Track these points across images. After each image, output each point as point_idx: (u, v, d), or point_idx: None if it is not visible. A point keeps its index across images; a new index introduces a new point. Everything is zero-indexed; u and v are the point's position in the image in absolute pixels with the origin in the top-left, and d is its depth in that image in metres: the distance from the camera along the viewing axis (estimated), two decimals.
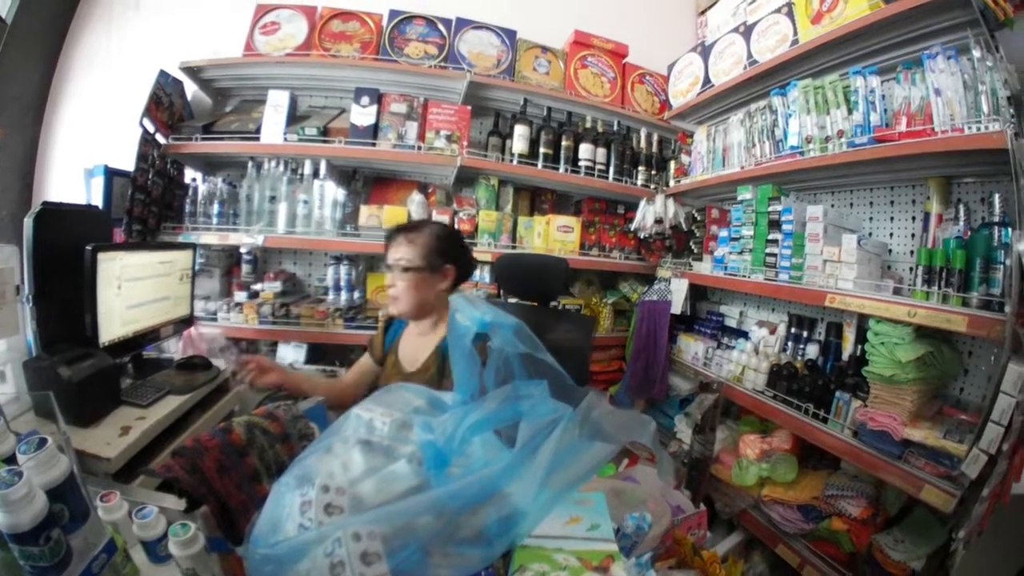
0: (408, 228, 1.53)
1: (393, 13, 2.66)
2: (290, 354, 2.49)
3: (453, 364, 0.89)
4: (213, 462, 0.86)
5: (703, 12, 3.09)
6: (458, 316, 0.87)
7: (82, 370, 1.37)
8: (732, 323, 2.56)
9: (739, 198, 2.27)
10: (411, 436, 0.80)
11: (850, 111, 1.84)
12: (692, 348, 2.52)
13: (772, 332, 2.27)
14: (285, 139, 2.47)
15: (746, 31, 2.36)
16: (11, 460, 0.70)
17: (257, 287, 2.51)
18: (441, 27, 2.67)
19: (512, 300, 2.15)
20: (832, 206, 2.10)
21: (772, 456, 1.99)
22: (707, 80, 2.58)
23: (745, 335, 2.37)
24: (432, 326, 1.52)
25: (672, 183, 2.79)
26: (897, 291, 1.65)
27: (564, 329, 1.93)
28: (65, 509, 0.67)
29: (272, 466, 0.93)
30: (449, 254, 1.50)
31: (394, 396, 0.91)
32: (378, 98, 2.53)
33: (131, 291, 1.69)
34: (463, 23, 2.68)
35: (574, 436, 0.72)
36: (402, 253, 1.46)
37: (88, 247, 1.50)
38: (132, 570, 0.81)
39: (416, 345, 1.53)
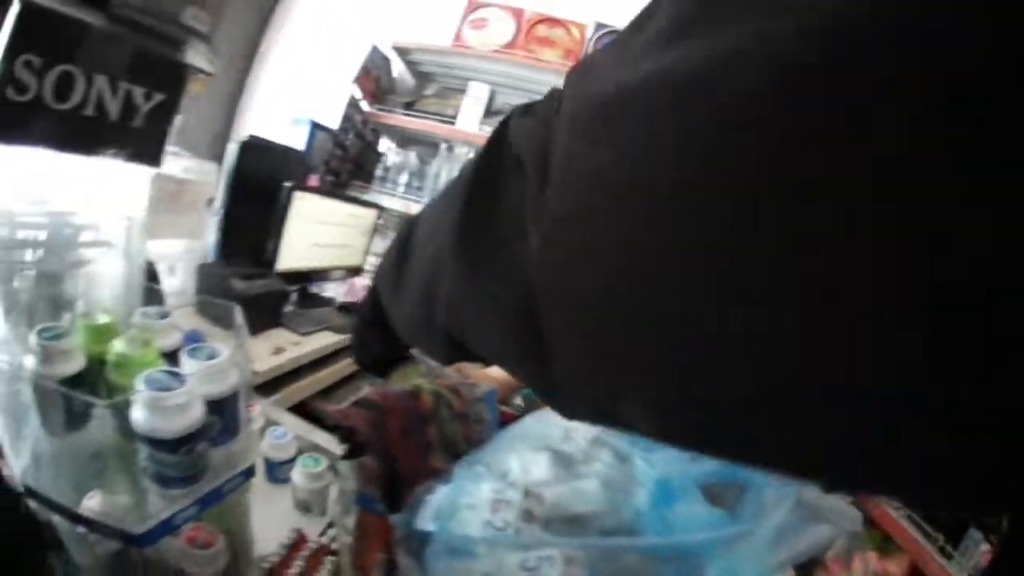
0: None
1: (599, 26, 2.69)
2: None
3: None
4: (397, 424, 0.86)
5: None
6: None
7: (255, 287, 1.53)
8: None
9: None
10: (603, 455, 0.78)
11: None
12: None
13: None
14: (480, 129, 2.61)
15: None
16: (171, 356, 0.67)
17: None
18: None
19: None
20: None
21: None
22: None
23: None
24: None
25: None
26: None
27: None
28: (218, 422, 0.62)
29: (447, 442, 0.93)
30: None
31: None
32: None
33: (318, 231, 1.86)
34: None
35: (793, 515, 0.67)
36: None
37: (287, 184, 1.66)
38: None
39: None
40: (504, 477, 0.73)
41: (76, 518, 0.57)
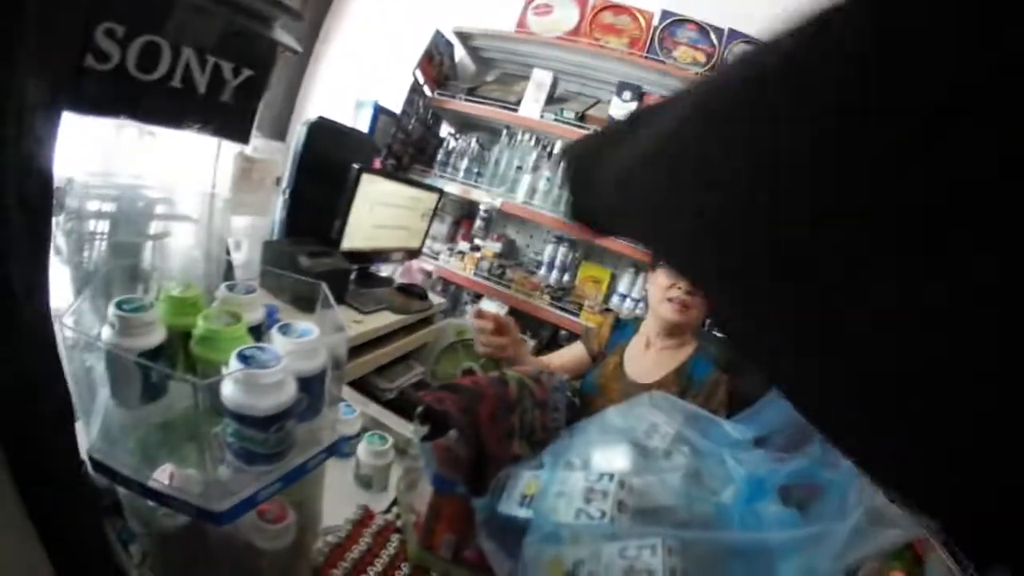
0: None
1: (665, 14, 2.59)
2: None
3: (770, 399, 0.85)
4: (488, 410, 0.87)
5: None
6: None
7: (321, 264, 1.54)
8: None
9: None
10: (684, 450, 0.78)
11: None
12: None
13: None
14: (542, 116, 2.56)
15: None
16: (255, 331, 0.67)
17: (480, 243, 2.69)
18: (713, 36, 2.56)
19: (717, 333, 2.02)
20: None
21: None
22: None
23: None
24: (680, 344, 1.46)
25: None
26: None
27: None
28: (306, 400, 0.62)
29: (527, 429, 0.94)
30: None
31: (666, 405, 0.88)
32: (640, 95, 2.51)
33: (380, 213, 1.89)
34: (735, 35, 2.54)
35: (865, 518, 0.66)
36: None
37: (356, 166, 1.68)
38: None
39: (653, 357, 1.46)
40: (596, 470, 0.72)
41: (149, 492, 0.57)
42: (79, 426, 0.57)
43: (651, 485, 0.72)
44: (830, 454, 0.73)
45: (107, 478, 0.58)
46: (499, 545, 0.69)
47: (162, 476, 0.59)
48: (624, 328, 1.60)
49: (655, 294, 1.44)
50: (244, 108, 0.79)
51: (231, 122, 0.79)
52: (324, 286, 0.77)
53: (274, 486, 0.60)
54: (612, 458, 0.77)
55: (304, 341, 0.62)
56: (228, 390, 0.54)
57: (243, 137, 0.82)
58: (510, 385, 0.93)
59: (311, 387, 0.63)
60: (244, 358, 0.54)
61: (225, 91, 0.75)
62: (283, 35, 0.82)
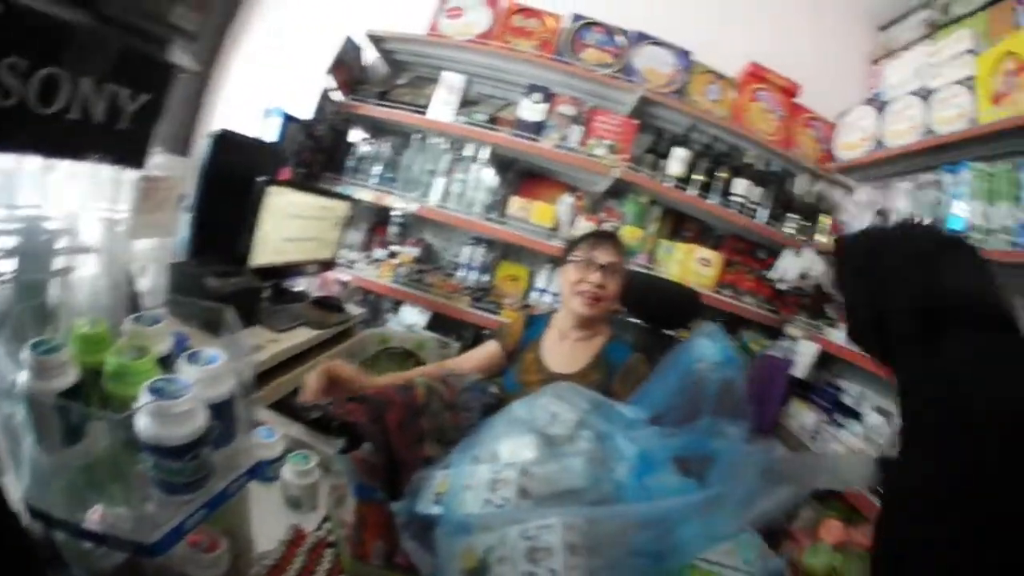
0: (613, 236, 1.58)
1: (575, 17, 2.70)
2: (413, 317, 2.63)
3: (658, 379, 0.93)
4: (396, 417, 0.91)
5: (876, 61, 2.90)
6: (707, 342, 0.91)
7: (229, 284, 1.50)
8: (849, 401, 2.38)
9: None
10: (586, 435, 0.84)
11: (1016, 205, 1.68)
12: (802, 416, 2.40)
13: (888, 422, 2.14)
14: (454, 120, 2.60)
15: (926, 96, 2.20)
16: (164, 361, 0.67)
17: (397, 249, 2.67)
18: (620, 38, 2.68)
19: (632, 320, 2.13)
20: None
21: (849, 549, 1.89)
22: (879, 139, 2.44)
23: (858, 417, 2.24)
24: (594, 333, 1.53)
25: (823, 237, 2.64)
26: None
27: None
28: (219, 426, 0.63)
29: (437, 431, 0.97)
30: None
31: (570, 394, 0.95)
32: (549, 97, 2.59)
33: (290, 225, 1.85)
34: (642, 37, 2.68)
35: (759, 479, 0.74)
36: (616, 258, 1.50)
37: (261, 178, 1.63)
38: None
39: (570, 348, 1.53)
40: (498, 460, 0.77)
41: (83, 534, 0.57)
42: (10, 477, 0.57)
43: (557, 471, 0.78)
44: (718, 425, 0.81)
45: (43, 523, 0.58)
46: (421, 544, 0.72)
47: (93, 517, 0.59)
48: (537, 323, 1.65)
49: (566, 288, 1.52)
50: (141, 134, 0.78)
51: (129, 149, 0.77)
52: (230, 310, 0.77)
53: (199, 513, 0.61)
54: (517, 449, 0.82)
55: (211, 368, 0.63)
56: (142, 423, 0.55)
57: (140, 163, 0.81)
58: (417, 390, 0.97)
59: (222, 413, 0.63)
60: (154, 390, 0.55)
61: (122, 118, 0.74)
62: (180, 56, 0.81)
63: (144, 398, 0.55)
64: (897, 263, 0.83)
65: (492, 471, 0.75)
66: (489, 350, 1.64)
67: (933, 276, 0.78)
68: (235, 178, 1.63)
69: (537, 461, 0.79)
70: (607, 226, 2.61)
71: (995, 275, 0.80)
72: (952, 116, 2.06)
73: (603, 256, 1.49)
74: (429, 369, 1.08)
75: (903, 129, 2.32)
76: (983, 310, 0.72)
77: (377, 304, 2.78)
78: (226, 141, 1.70)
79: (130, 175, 0.89)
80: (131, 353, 0.62)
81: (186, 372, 0.62)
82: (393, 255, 2.65)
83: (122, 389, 0.60)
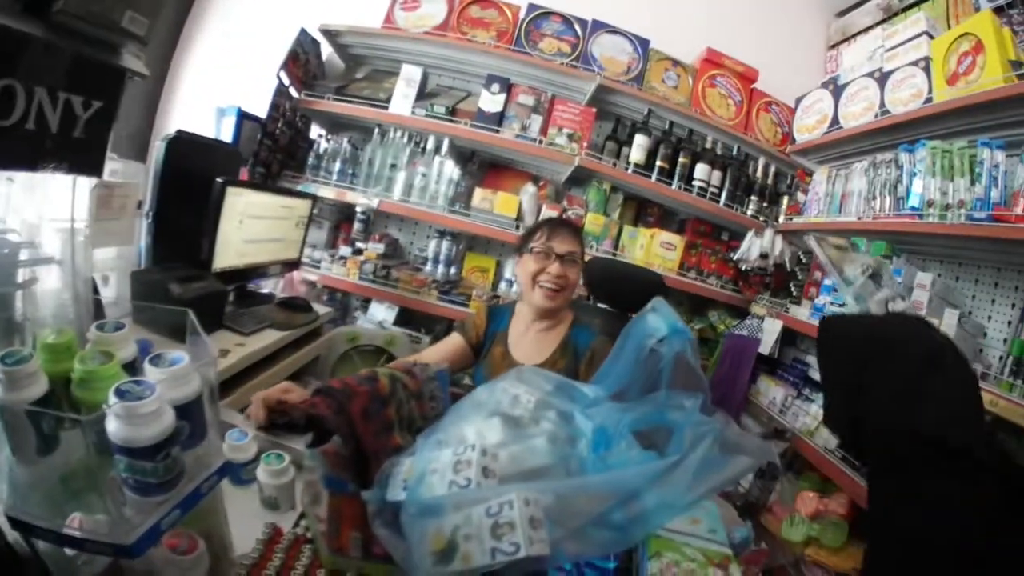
0: (569, 223, 1.60)
1: (532, 7, 2.72)
2: (381, 313, 2.64)
3: (614, 357, 0.96)
4: (360, 407, 0.92)
5: (834, 46, 3.00)
6: (654, 316, 0.94)
7: (192, 289, 1.47)
8: (816, 375, 2.49)
9: None
10: (549, 415, 0.88)
11: (973, 182, 1.75)
12: (771, 392, 2.49)
13: None
14: (413, 113, 2.60)
15: (881, 78, 2.29)
16: (129, 367, 0.68)
17: (362, 245, 2.66)
18: (577, 27, 2.71)
19: (600, 305, 2.17)
20: (939, 276, 2.02)
21: (825, 518, 1.98)
22: (835, 121, 2.52)
23: None
24: (556, 322, 1.56)
25: (783, 219, 2.73)
26: (983, 377, 1.59)
27: None
28: (187, 427, 0.64)
29: (405, 420, 1.00)
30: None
31: (533, 377, 0.98)
32: (508, 87, 2.61)
33: (251, 227, 1.82)
34: (599, 25, 2.71)
35: (715, 449, 0.77)
36: (574, 247, 1.51)
37: (219, 180, 1.60)
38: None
39: (534, 339, 1.55)
40: (462, 443, 0.79)
41: (63, 539, 0.58)
42: None
43: (520, 451, 0.81)
44: (674, 397, 0.84)
45: (24, 533, 0.58)
46: (392, 531, 0.74)
47: (72, 524, 0.60)
48: (501, 314, 1.66)
49: (525, 280, 1.52)
50: (96, 141, 0.78)
51: (84, 157, 0.77)
52: (191, 313, 0.78)
53: (174, 513, 0.62)
54: (481, 431, 0.85)
55: (175, 369, 0.63)
56: (112, 426, 0.56)
57: (96, 171, 0.81)
58: (381, 381, 0.98)
59: (190, 413, 0.65)
60: (121, 393, 0.56)
61: (77, 127, 0.73)
62: (131, 60, 0.81)
63: (112, 400, 0.56)
64: (879, 379, 0.89)
65: (455, 454, 0.77)
66: (453, 343, 1.63)
67: (912, 404, 0.83)
68: (193, 181, 1.61)
69: (501, 443, 0.82)
70: (570, 214, 2.65)
71: (977, 394, 0.88)
72: (908, 97, 2.14)
73: (561, 246, 1.49)
74: (394, 364, 1.09)
75: (859, 110, 2.41)
76: (956, 444, 0.79)
77: (346, 302, 2.78)
78: (181, 143, 1.68)
79: (87, 183, 0.89)
80: (97, 359, 0.63)
81: (151, 374, 0.63)
82: (359, 252, 2.64)
83: (90, 395, 0.61)
